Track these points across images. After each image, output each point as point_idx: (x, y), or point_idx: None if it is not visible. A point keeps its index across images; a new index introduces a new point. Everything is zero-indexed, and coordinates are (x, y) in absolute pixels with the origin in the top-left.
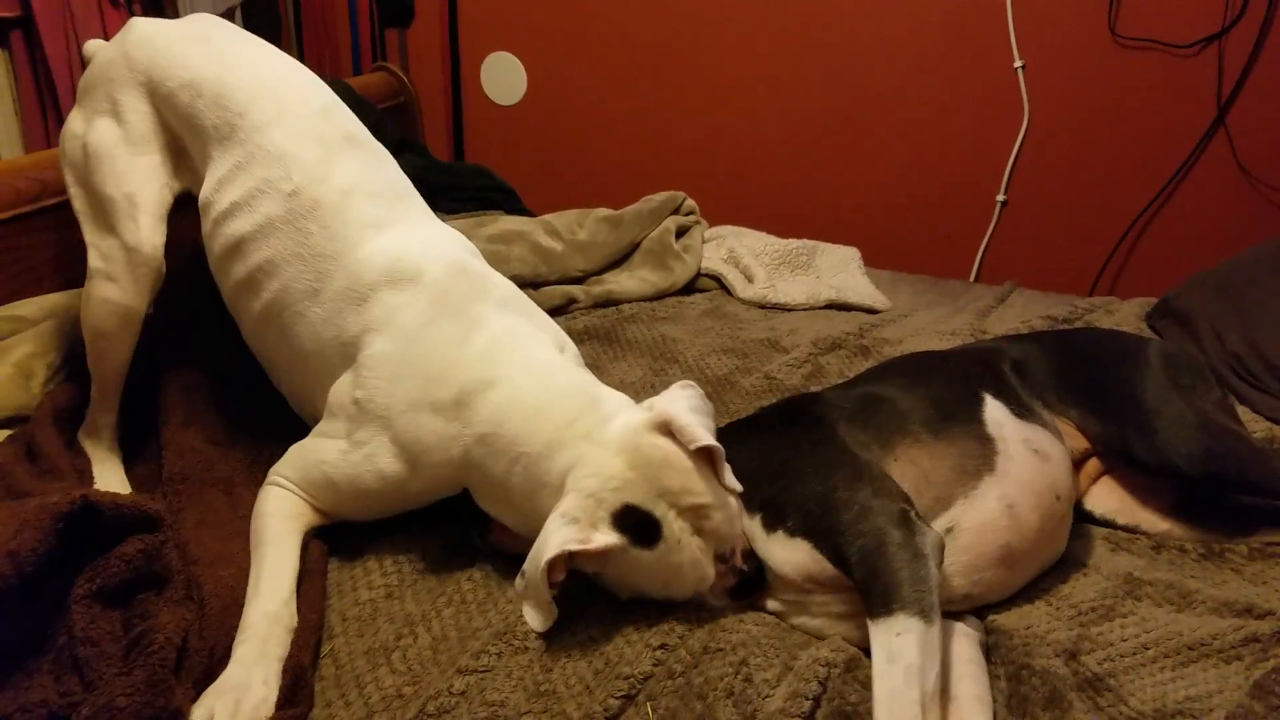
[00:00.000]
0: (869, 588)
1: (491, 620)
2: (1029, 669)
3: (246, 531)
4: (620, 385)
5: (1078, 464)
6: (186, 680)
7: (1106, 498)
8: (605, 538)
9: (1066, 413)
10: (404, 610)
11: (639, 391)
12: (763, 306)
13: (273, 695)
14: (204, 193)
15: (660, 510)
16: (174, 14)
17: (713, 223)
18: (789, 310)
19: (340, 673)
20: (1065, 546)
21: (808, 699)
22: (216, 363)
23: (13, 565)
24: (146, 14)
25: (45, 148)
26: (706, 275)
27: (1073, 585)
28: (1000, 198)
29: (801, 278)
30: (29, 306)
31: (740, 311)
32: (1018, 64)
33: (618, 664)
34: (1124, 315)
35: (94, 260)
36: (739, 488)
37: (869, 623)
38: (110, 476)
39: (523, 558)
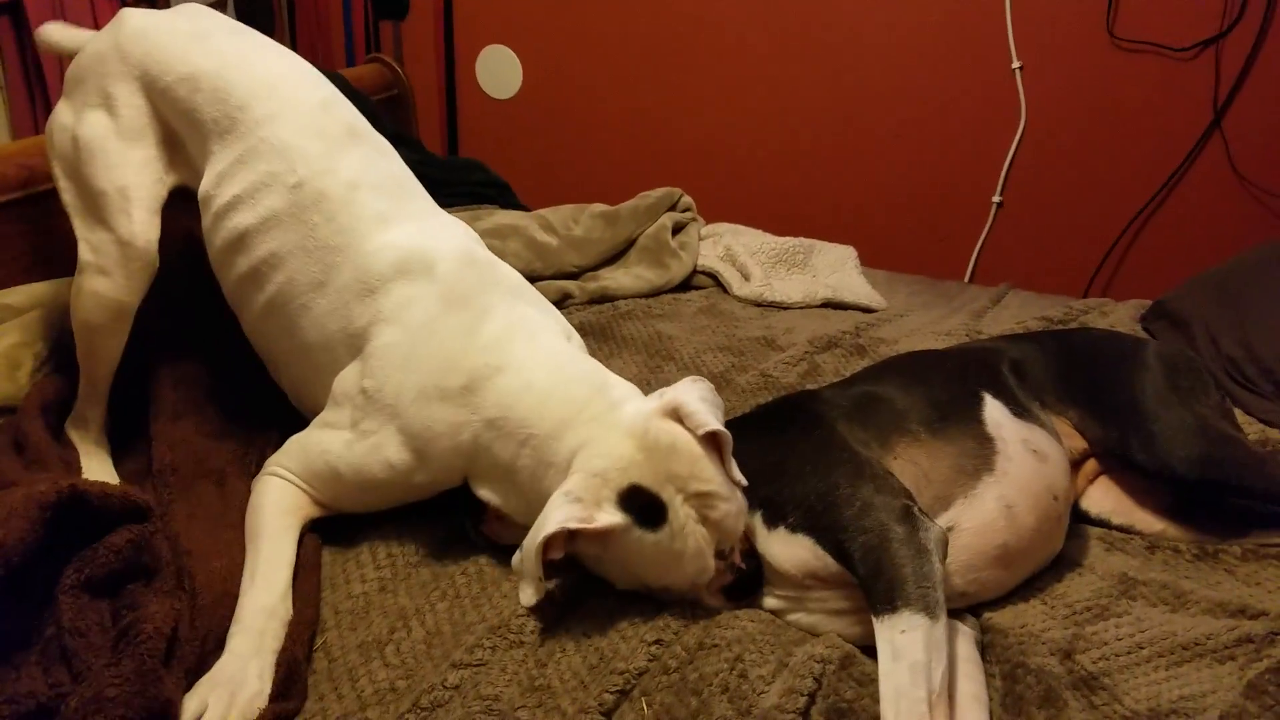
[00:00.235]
0: (872, 584)
1: (486, 614)
2: (1024, 668)
3: (238, 523)
4: None
5: (1075, 464)
6: (178, 670)
7: (1103, 498)
8: (609, 517)
9: (1065, 413)
10: (397, 604)
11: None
12: (759, 304)
13: (267, 689)
14: (203, 187)
15: (667, 494)
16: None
17: (709, 220)
18: (785, 309)
19: (333, 666)
20: (1062, 546)
21: (803, 695)
22: (207, 355)
23: None
24: (137, 3)
25: (33, 134)
26: (703, 273)
27: (1068, 584)
28: (996, 198)
29: (798, 276)
30: (16, 295)
31: (736, 309)
32: (1015, 65)
33: (613, 659)
34: (1119, 317)
35: (85, 253)
36: (744, 481)
37: (873, 620)
38: (98, 468)
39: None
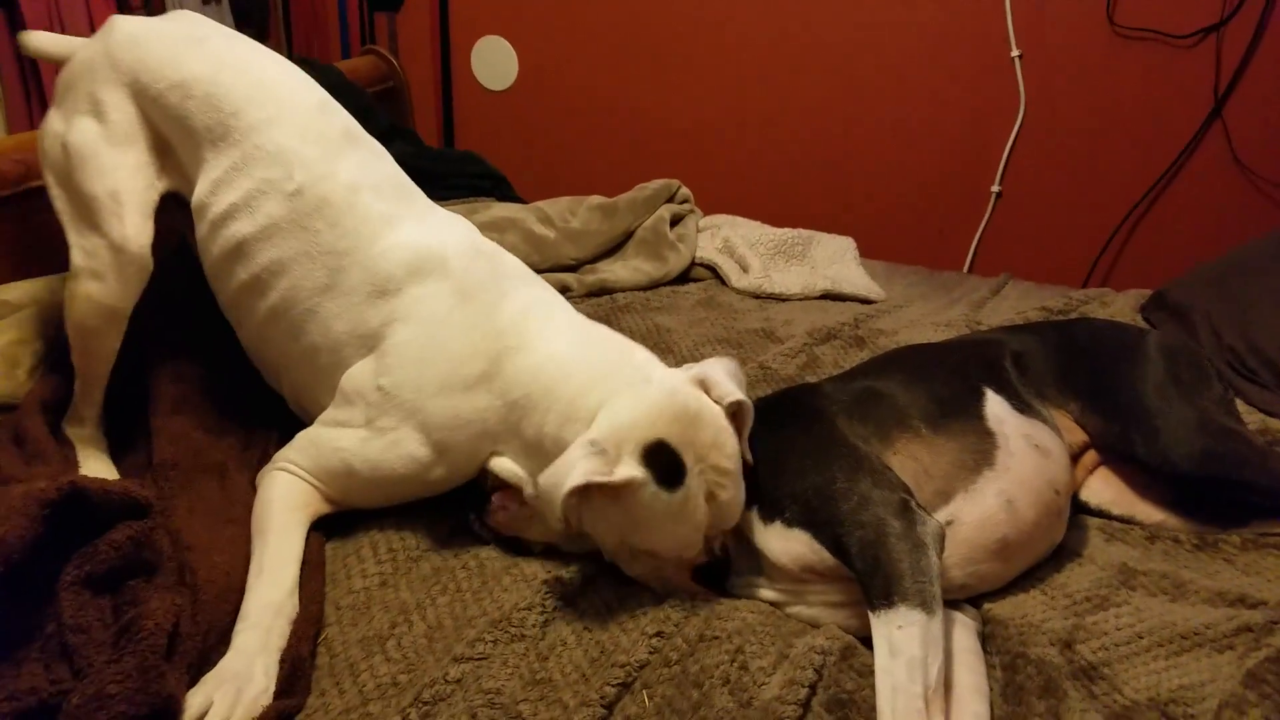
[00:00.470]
0: (869, 579)
1: (487, 608)
2: (1024, 658)
3: (240, 518)
4: None
5: (1075, 456)
6: (180, 665)
7: (1103, 489)
8: (628, 470)
9: (1065, 406)
10: (398, 598)
11: None
12: (757, 296)
13: (272, 686)
14: (197, 195)
15: (689, 459)
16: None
17: (707, 212)
18: (784, 300)
19: (334, 661)
20: (1062, 538)
21: (804, 686)
22: (204, 350)
23: None
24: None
25: (29, 129)
26: (701, 265)
27: (1068, 575)
28: (995, 188)
29: (797, 268)
30: (13, 291)
31: (735, 301)
32: (1015, 54)
33: (614, 652)
34: (1119, 308)
35: (78, 259)
36: (750, 459)
37: (870, 615)
38: (97, 464)
39: (521, 541)
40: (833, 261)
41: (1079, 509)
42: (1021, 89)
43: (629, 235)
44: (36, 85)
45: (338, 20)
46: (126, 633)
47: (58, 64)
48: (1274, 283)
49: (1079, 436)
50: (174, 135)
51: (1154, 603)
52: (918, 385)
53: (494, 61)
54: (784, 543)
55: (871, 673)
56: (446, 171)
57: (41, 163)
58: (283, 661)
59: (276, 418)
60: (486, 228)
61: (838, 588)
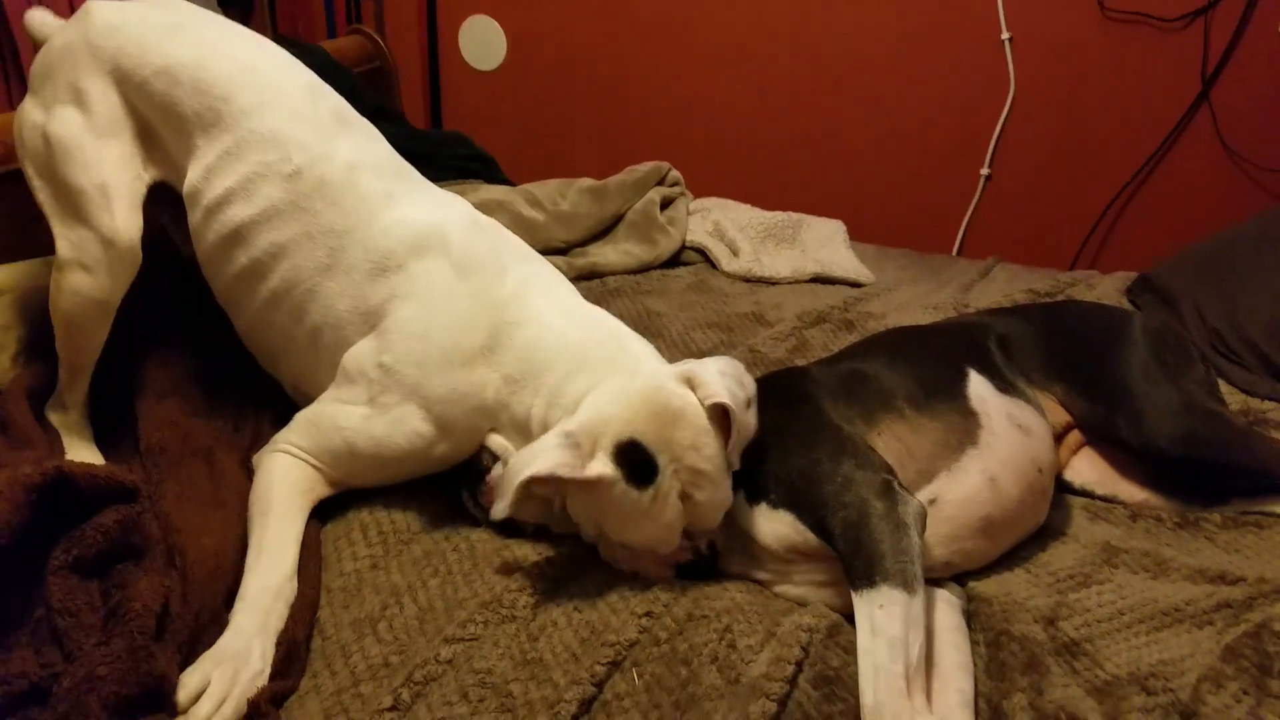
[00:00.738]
0: (852, 559)
1: (478, 590)
2: (1008, 635)
3: (229, 502)
4: None
5: (1060, 437)
6: (170, 645)
7: (1086, 469)
8: (599, 467)
9: (1050, 387)
10: (389, 581)
11: None
12: (747, 280)
13: (268, 668)
14: (190, 183)
15: (662, 459)
16: None
17: (697, 195)
18: (774, 284)
19: (326, 643)
20: (1046, 517)
21: (790, 663)
22: (191, 335)
23: None
24: None
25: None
26: (691, 248)
27: (1052, 553)
28: (984, 171)
29: (786, 251)
30: None
31: (725, 285)
32: (1005, 36)
33: (604, 632)
34: (1105, 290)
35: (64, 250)
36: (736, 464)
37: (852, 594)
38: (82, 450)
39: (513, 521)
40: (822, 245)
41: (1063, 489)
42: (1011, 72)
43: (619, 218)
44: (15, 66)
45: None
46: (115, 615)
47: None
48: (1258, 266)
49: (1064, 417)
50: (161, 123)
51: (1136, 580)
52: (903, 367)
53: (482, 41)
54: (769, 524)
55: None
56: (434, 153)
57: (20, 153)
58: (279, 644)
59: (265, 402)
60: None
61: (823, 567)
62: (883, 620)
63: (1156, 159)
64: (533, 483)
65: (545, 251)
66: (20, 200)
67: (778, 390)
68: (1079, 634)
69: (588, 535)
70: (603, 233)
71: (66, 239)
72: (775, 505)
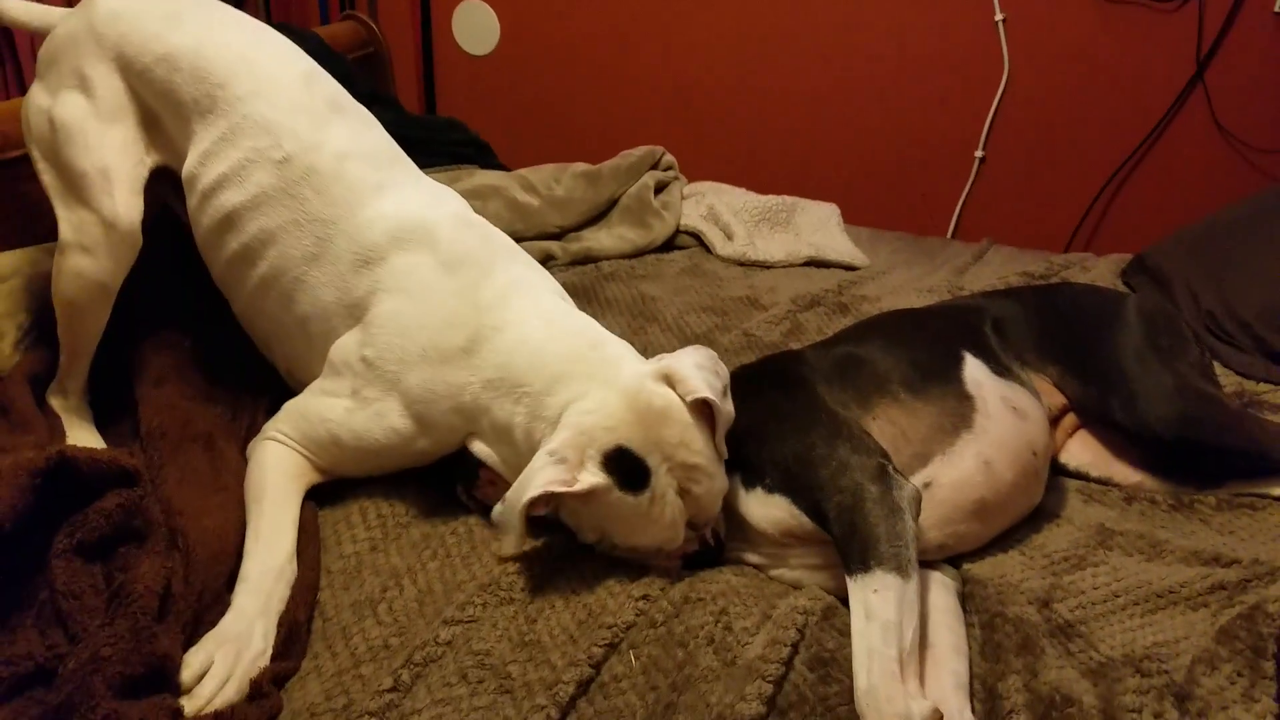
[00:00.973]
0: (846, 544)
1: (476, 573)
2: (1003, 617)
3: (230, 486)
4: None
5: (1054, 420)
6: (174, 626)
7: (1081, 452)
8: (591, 478)
9: (1045, 370)
10: (389, 563)
11: None
12: (742, 264)
13: (270, 649)
14: (187, 167)
15: (653, 460)
16: None
17: (692, 179)
18: (768, 268)
19: (327, 625)
20: (1040, 499)
21: (786, 645)
22: (191, 320)
23: None
24: None
25: (4, 99)
26: (686, 232)
27: (1046, 536)
28: (979, 153)
29: (781, 235)
30: None
31: (719, 269)
32: (999, 18)
33: (601, 614)
34: (1100, 272)
35: (66, 233)
36: (725, 453)
37: (847, 579)
38: (83, 434)
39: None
40: (817, 228)
41: (1058, 471)
42: (1005, 54)
43: (613, 203)
44: (11, 55)
45: None
46: (118, 597)
47: (33, 34)
48: (1252, 247)
49: (1058, 400)
50: (162, 109)
51: (1130, 562)
52: (898, 351)
53: (475, 26)
54: (765, 508)
55: None
56: (428, 138)
57: (26, 137)
58: (280, 625)
59: (264, 388)
60: (469, 195)
61: (818, 551)
62: (877, 604)
63: (1151, 141)
64: (531, 506)
65: (540, 236)
66: (16, 188)
67: (773, 374)
68: (1073, 616)
69: (595, 546)
70: (597, 217)
71: (69, 221)
72: (771, 490)
